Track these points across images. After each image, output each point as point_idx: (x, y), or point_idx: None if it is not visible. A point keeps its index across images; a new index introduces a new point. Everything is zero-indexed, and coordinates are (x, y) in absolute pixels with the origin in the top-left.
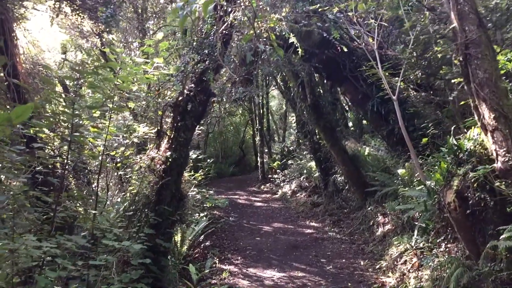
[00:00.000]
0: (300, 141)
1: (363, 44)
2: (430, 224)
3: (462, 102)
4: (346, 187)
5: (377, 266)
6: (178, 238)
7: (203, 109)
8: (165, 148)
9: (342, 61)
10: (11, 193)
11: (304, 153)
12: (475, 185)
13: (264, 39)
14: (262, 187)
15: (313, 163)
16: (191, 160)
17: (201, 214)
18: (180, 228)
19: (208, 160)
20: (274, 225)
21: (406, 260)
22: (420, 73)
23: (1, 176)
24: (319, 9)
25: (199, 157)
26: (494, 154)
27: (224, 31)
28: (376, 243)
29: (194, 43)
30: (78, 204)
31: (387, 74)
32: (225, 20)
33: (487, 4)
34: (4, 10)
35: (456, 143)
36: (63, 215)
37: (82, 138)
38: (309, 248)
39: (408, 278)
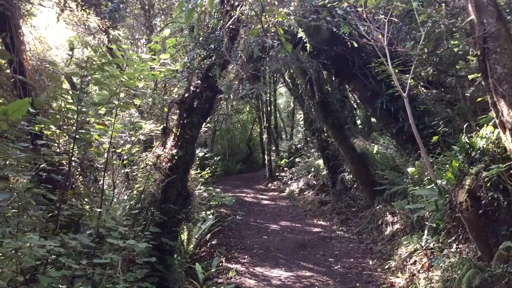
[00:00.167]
0: (308, 138)
1: (373, 40)
2: (441, 224)
3: (479, 99)
4: (354, 186)
5: (386, 266)
6: (184, 236)
7: (209, 106)
8: (171, 146)
9: (351, 57)
10: (16, 191)
11: (312, 151)
12: (488, 184)
13: (272, 34)
14: (270, 185)
15: (321, 161)
16: (198, 158)
17: (208, 212)
18: (186, 226)
19: (215, 158)
20: (281, 224)
21: (415, 261)
22: (431, 70)
23: (5, 173)
24: (328, 5)
25: (206, 155)
26: None
27: (231, 26)
28: (385, 242)
29: (200, 38)
30: (84, 202)
31: (396, 71)
32: (232, 14)
33: None
34: (10, 6)
35: (468, 141)
36: (68, 213)
37: (88, 135)
38: (316, 247)
39: (418, 279)
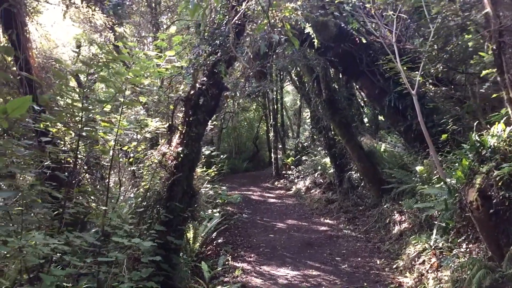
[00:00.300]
0: (315, 137)
1: (381, 37)
2: (451, 223)
3: (494, 95)
4: (362, 184)
5: (394, 266)
6: (190, 235)
7: (215, 103)
8: (176, 144)
9: (358, 55)
10: (21, 189)
11: (318, 149)
12: (499, 183)
13: (279, 29)
14: (276, 183)
15: (327, 159)
16: (204, 156)
17: (214, 210)
18: (192, 224)
19: (222, 156)
20: (288, 222)
21: (424, 260)
22: (441, 67)
23: (10, 170)
24: (336, 1)
25: (213, 153)
26: None
27: (236, 21)
28: (393, 241)
29: (206, 34)
30: (90, 200)
31: (405, 68)
32: (238, 9)
33: None
34: (16, 3)
35: (479, 139)
36: (73, 211)
37: (93, 133)
38: (323, 246)
39: (426, 279)
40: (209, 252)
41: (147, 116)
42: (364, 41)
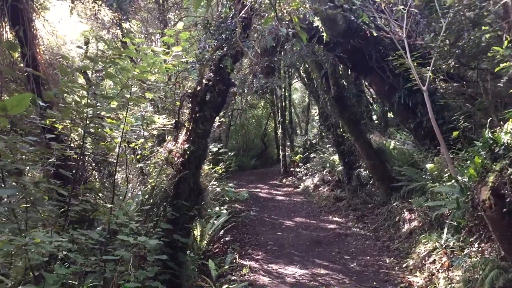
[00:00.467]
0: (323, 134)
1: (391, 33)
2: (462, 222)
3: None
4: (371, 182)
5: (404, 265)
6: (197, 232)
7: (222, 100)
8: (183, 140)
9: (368, 51)
10: (25, 186)
11: (327, 146)
12: None
13: (286, 22)
14: (284, 180)
15: (336, 157)
16: (212, 153)
17: (222, 208)
18: (199, 222)
19: (230, 153)
20: (296, 220)
21: (435, 260)
22: (453, 62)
23: (15, 167)
24: None
25: (220, 150)
26: None
27: (243, 15)
28: (402, 240)
29: (211, 28)
30: (97, 197)
31: (415, 64)
32: (244, 2)
33: None
34: None
35: (492, 136)
36: (79, 209)
37: (99, 130)
38: (332, 244)
39: (437, 279)
40: (216, 250)
41: (155, 113)
42: (375, 34)
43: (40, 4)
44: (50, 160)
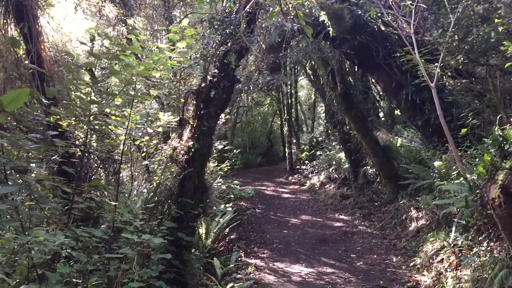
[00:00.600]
0: (329, 131)
1: (398, 29)
2: (471, 220)
3: None
4: (377, 180)
5: (411, 264)
6: (202, 230)
7: (227, 97)
8: (187, 138)
9: (375, 47)
10: (28, 184)
11: (333, 143)
12: None
13: (292, 17)
14: (290, 178)
15: (342, 154)
16: (217, 151)
17: (227, 206)
18: (204, 220)
19: (235, 151)
20: (302, 218)
21: (442, 258)
22: (462, 58)
23: (18, 165)
24: None
25: (226, 147)
26: None
27: (248, 9)
28: (409, 238)
29: (215, 23)
30: (103, 194)
31: (423, 61)
32: None
33: None
34: None
35: (501, 133)
36: (83, 206)
37: (103, 127)
38: (338, 242)
39: (445, 278)
40: (221, 248)
41: (160, 110)
42: (382, 28)
43: (45, 1)
44: (53, 158)
